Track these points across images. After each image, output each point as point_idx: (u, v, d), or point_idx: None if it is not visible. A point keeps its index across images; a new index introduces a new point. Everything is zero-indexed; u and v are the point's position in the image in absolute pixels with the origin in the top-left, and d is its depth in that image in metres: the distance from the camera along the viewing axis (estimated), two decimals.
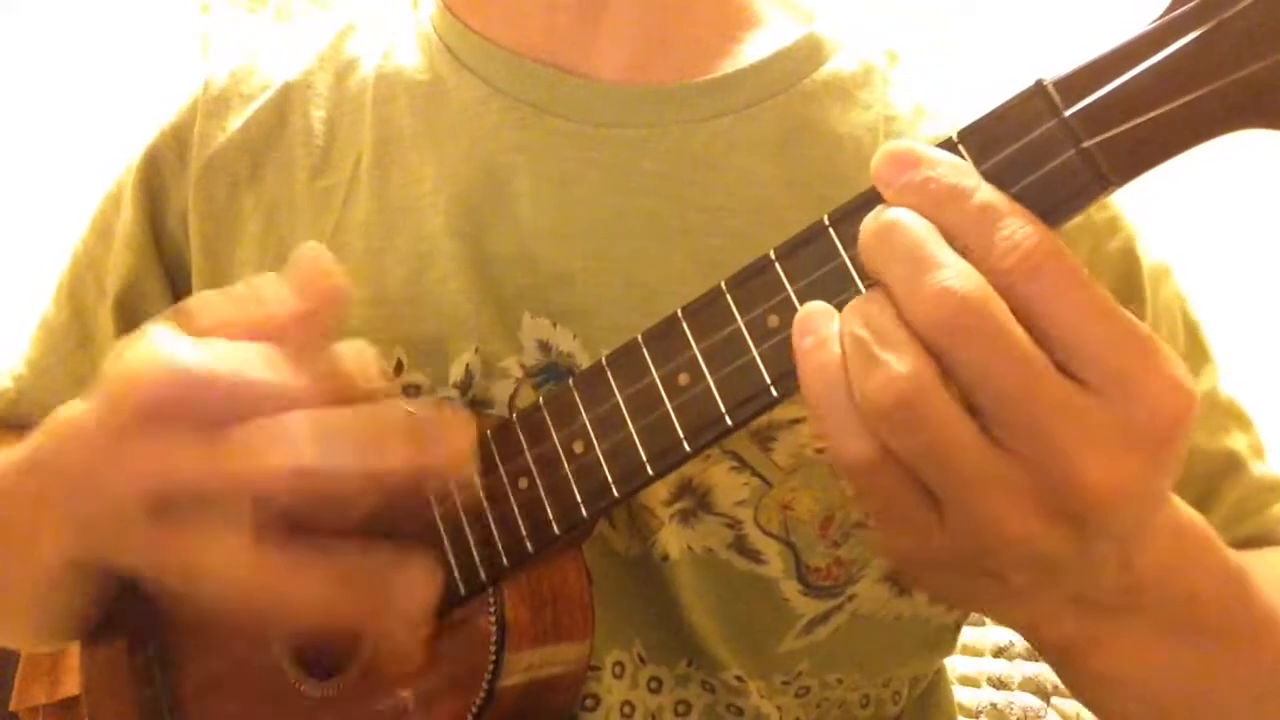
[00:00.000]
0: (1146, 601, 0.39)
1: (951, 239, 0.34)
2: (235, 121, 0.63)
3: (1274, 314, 1.88)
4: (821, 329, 0.36)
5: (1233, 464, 0.60)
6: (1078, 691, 0.46)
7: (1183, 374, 0.34)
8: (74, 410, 0.46)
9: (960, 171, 0.35)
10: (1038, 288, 0.33)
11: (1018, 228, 0.34)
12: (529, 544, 0.46)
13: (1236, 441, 0.61)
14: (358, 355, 0.42)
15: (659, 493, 0.54)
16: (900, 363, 0.33)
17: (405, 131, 0.60)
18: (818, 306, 0.37)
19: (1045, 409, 0.33)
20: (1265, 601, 0.45)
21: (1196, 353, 0.62)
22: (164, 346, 0.40)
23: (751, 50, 0.60)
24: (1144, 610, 0.40)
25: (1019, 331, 0.33)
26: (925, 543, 0.36)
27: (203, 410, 0.39)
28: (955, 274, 0.33)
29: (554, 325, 0.55)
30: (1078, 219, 0.59)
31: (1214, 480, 0.60)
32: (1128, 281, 0.59)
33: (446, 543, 0.48)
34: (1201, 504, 0.58)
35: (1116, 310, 0.34)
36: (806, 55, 0.60)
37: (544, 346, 0.55)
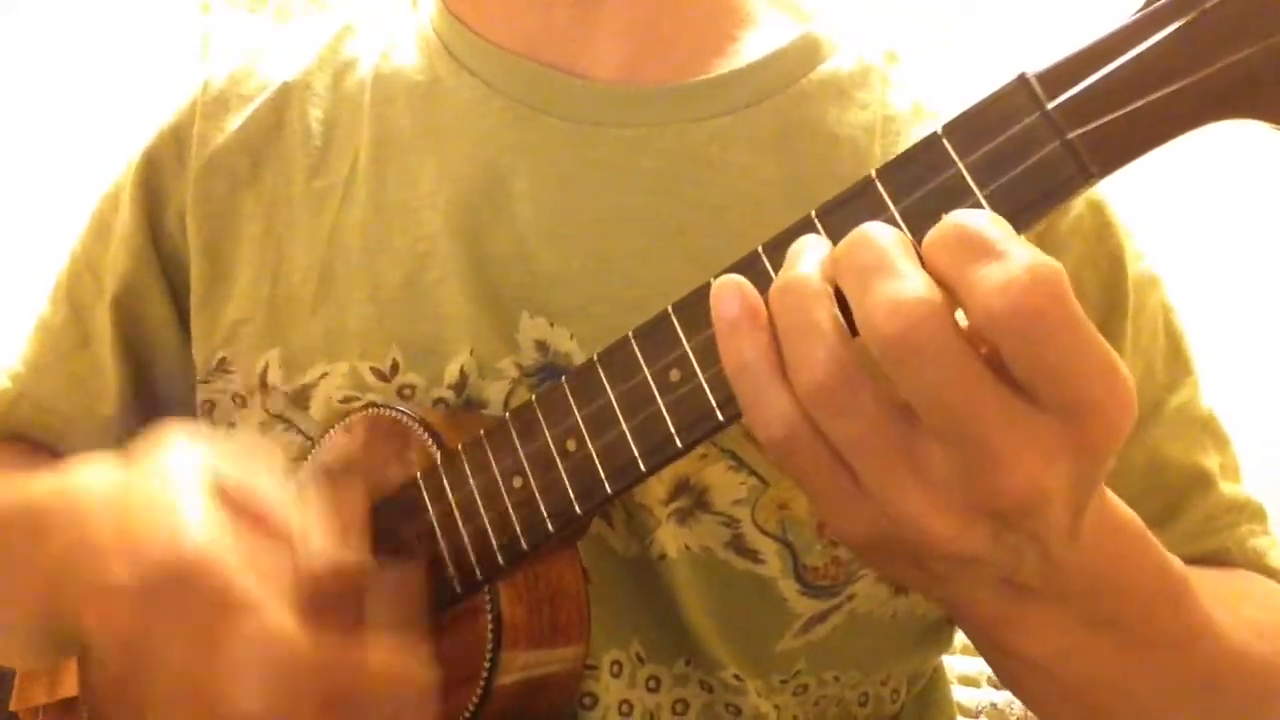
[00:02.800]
0: (1069, 590, 0.39)
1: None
2: (234, 122, 0.64)
3: (1267, 325, 1.88)
4: (740, 304, 0.37)
5: (1203, 480, 0.60)
6: (997, 670, 0.46)
7: (1133, 388, 0.34)
8: (90, 492, 0.48)
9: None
10: (1017, 323, 0.32)
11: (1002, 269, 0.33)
12: (524, 542, 0.46)
13: (1210, 459, 0.61)
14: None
15: (657, 492, 0.54)
16: (826, 351, 0.34)
17: (403, 132, 0.60)
18: (734, 279, 0.37)
19: (984, 421, 0.33)
20: (1200, 611, 0.45)
21: (1178, 365, 0.62)
22: (203, 539, 0.43)
23: (749, 50, 0.60)
24: (1066, 598, 0.40)
25: (961, 346, 0.33)
26: (848, 514, 0.37)
27: (196, 605, 0.42)
28: (912, 286, 0.33)
29: (551, 325, 0.55)
30: (1071, 223, 0.59)
31: (1182, 494, 0.60)
32: (1111, 288, 0.59)
33: (442, 541, 0.48)
34: (1166, 515, 0.58)
35: (1085, 330, 0.33)
36: (804, 55, 0.60)
37: (541, 346, 0.55)
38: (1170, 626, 0.45)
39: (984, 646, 0.45)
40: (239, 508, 0.45)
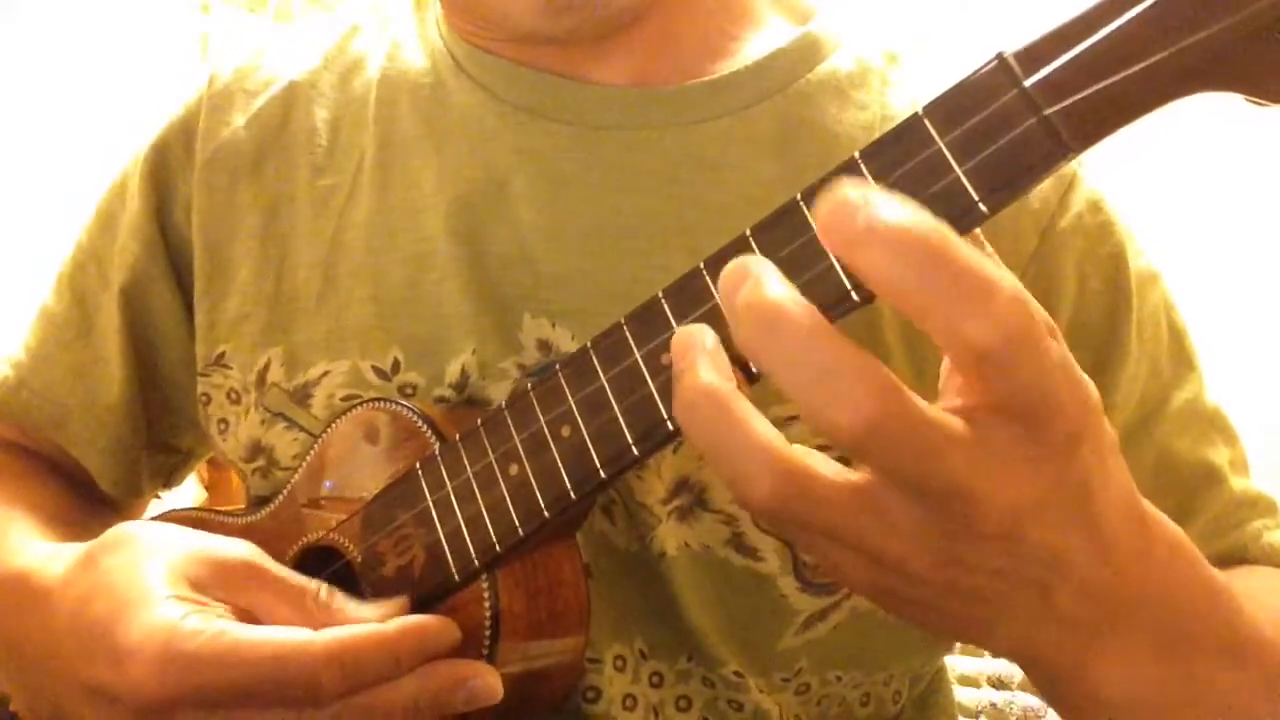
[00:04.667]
0: (1131, 620, 0.38)
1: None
2: (239, 117, 0.64)
3: (1266, 319, 1.88)
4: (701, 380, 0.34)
5: (1213, 476, 0.60)
6: (1070, 715, 0.44)
7: (1085, 379, 0.33)
8: (72, 603, 0.48)
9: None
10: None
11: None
12: (521, 529, 0.46)
13: (1218, 454, 0.60)
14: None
15: (656, 490, 0.54)
16: (769, 473, 0.33)
17: (407, 134, 0.61)
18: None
19: (954, 472, 0.32)
20: (1250, 618, 0.44)
21: (1181, 361, 0.62)
22: (191, 651, 0.43)
23: (749, 51, 0.61)
24: (1130, 629, 0.39)
25: (928, 422, 0.32)
26: (846, 571, 0.36)
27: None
28: (857, 391, 0.31)
29: (553, 325, 0.55)
30: (1071, 221, 0.59)
31: (1193, 491, 0.59)
32: (1115, 286, 0.59)
33: (440, 529, 0.49)
34: (1179, 514, 0.57)
35: (1043, 342, 0.32)
36: (803, 55, 0.60)
37: (544, 346, 0.55)
38: (1229, 636, 0.43)
39: (1057, 695, 0.42)
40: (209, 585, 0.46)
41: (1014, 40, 0.37)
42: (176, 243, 0.65)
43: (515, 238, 0.57)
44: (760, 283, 0.33)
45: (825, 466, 0.34)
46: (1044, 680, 0.41)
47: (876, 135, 0.58)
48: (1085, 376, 0.34)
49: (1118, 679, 0.39)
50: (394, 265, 0.58)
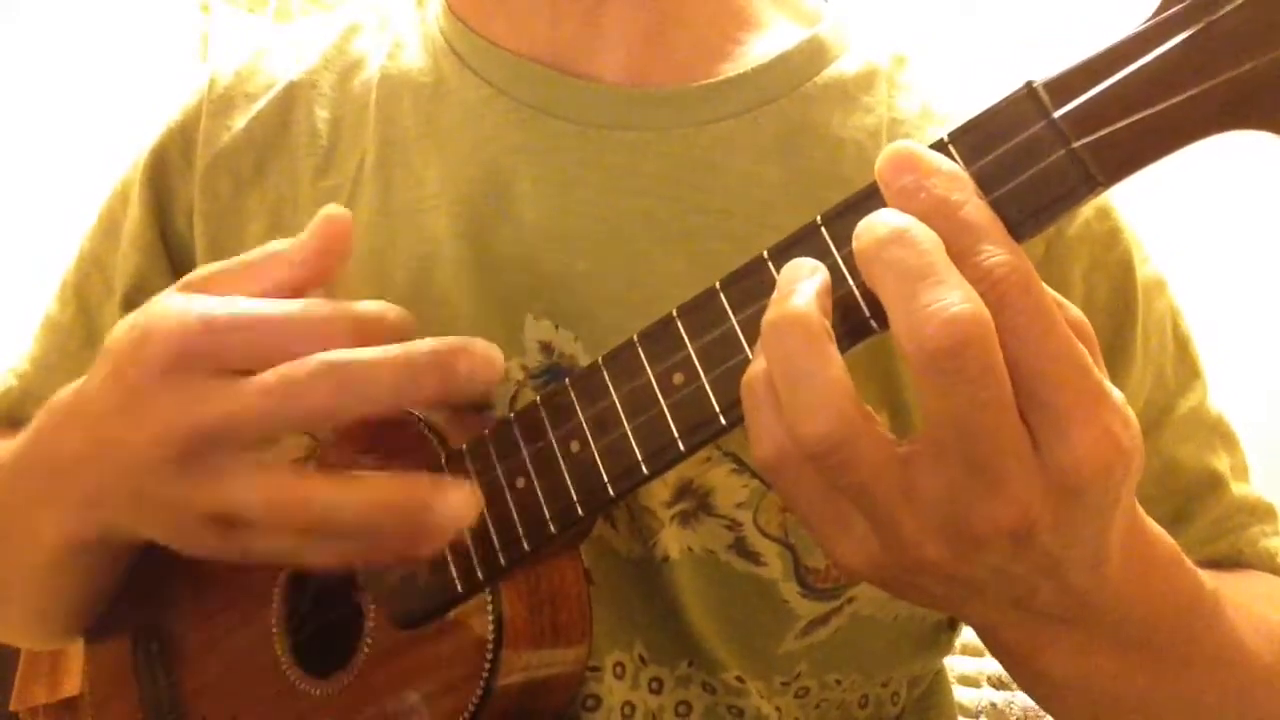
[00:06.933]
0: (1097, 620, 0.39)
1: None
2: (240, 120, 0.64)
3: (1269, 324, 1.88)
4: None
5: (1214, 482, 0.60)
6: (1022, 687, 0.46)
7: (1122, 428, 0.34)
8: (72, 389, 0.47)
9: (953, 183, 0.35)
10: (1000, 319, 0.33)
11: (993, 253, 0.34)
12: (526, 543, 0.46)
13: (1220, 460, 0.61)
14: (377, 309, 0.45)
15: (660, 494, 0.54)
16: (830, 408, 0.34)
17: (409, 133, 0.60)
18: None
19: (997, 451, 0.33)
20: (1230, 630, 0.45)
21: (1186, 368, 0.62)
22: (178, 302, 0.42)
23: (753, 53, 0.60)
24: (1093, 626, 0.40)
25: (1003, 371, 0.33)
26: (842, 540, 0.37)
27: (225, 357, 0.41)
28: (962, 299, 0.32)
29: (556, 327, 0.55)
30: (1079, 228, 0.59)
31: (1193, 496, 0.60)
32: (1122, 294, 0.59)
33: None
34: (1178, 519, 0.58)
35: (1071, 351, 0.34)
36: (809, 58, 0.60)
37: (546, 348, 0.55)
38: (1203, 647, 0.44)
39: (1009, 665, 0.44)
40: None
41: (1018, 43, 0.37)
42: (178, 250, 0.65)
43: (518, 238, 0.56)
44: (787, 295, 0.36)
45: (880, 428, 0.35)
46: (997, 649, 0.43)
47: (884, 139, 0.58)
48: (1124, 432, 0.34)
49: (1068, 664, 0.41)
50: (397, 266, 0.58)
